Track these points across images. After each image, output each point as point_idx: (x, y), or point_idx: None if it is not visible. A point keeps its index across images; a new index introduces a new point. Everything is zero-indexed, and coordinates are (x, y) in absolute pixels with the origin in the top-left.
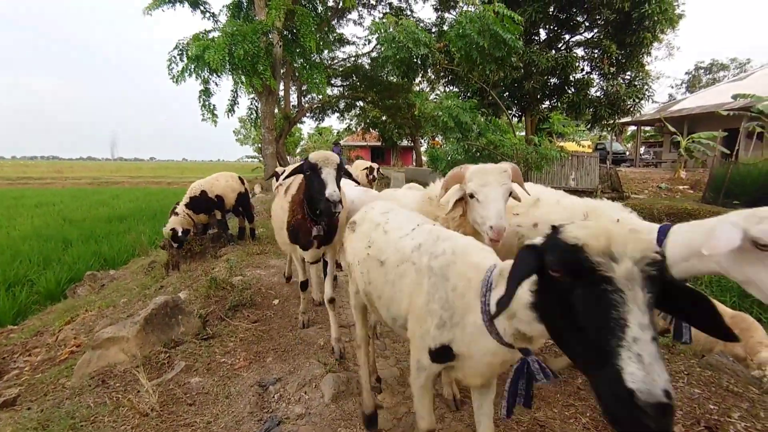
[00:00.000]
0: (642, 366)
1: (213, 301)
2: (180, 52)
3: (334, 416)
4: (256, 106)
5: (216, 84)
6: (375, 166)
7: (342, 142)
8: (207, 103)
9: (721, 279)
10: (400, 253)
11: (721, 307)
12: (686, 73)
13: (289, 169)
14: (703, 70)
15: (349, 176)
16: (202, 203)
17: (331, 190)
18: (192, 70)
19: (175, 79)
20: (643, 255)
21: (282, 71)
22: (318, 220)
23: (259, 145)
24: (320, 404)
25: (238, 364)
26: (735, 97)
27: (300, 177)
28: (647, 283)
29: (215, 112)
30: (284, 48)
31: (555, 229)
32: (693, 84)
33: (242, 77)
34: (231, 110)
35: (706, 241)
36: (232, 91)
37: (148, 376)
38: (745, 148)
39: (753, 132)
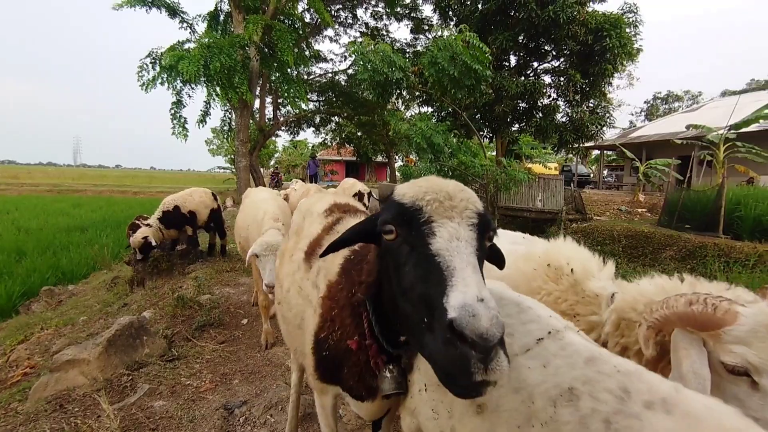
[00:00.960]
0: None
1: (179, 321)
2: (153, 60)
3: None
4: (230, 118)
5: (189, 96)
6: (365, 190)
7: (317, 156)
8: (178, 116)
9: None
10: (521, 398)
11: None
12: (645, 102)
13: (331, 226)
14: (660, 100)
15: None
16: (174, 218)
17: (468, 298)
18: (164, 79)
19: (144, 87)
20: None
21: (258, 84)
22: (396, 351)
23: (232, 157)
24: (286, 427)
25: (204, 386)
26: (688, 127)
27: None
28: None
29: (186, 125)
30: (261, 62)
31: None
32: (651, 112)
33: (217, 89)
34: (203, 121)
35: None
36: (204, 101)
37: (110, 399)
38: (696, 175)
39: (703, 160)
